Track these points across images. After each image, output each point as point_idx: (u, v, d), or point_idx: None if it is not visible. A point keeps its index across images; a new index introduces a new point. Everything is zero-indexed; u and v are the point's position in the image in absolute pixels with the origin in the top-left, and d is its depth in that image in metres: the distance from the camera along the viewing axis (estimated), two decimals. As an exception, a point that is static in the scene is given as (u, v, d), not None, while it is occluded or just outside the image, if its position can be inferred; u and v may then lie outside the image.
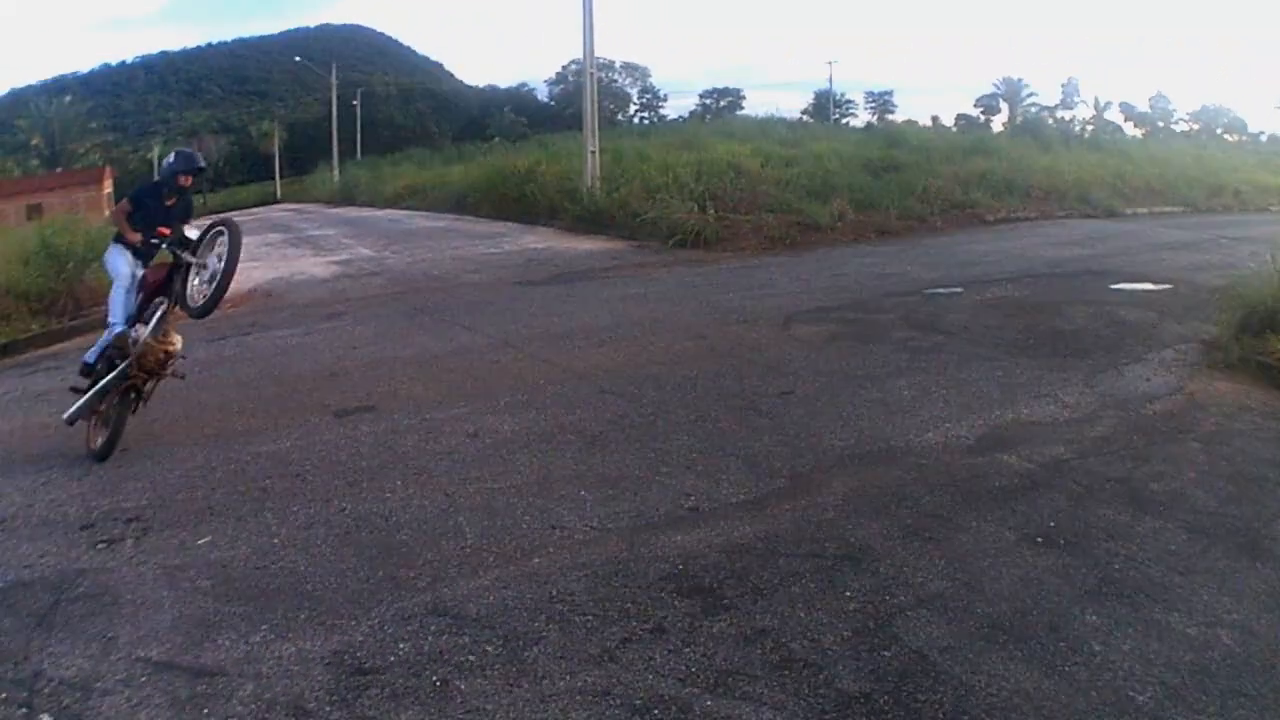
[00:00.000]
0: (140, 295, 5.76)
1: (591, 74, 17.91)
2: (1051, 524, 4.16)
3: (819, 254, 13.05)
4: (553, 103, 77.01)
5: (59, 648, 3.40)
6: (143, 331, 5.54)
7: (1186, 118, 71.63)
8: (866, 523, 4.20)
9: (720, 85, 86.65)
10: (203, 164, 6.01)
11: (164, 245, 5.70)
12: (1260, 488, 4.61)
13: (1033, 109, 71.31)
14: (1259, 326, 6.75)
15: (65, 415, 5.67)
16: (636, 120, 76.52)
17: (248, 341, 8.81)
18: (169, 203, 5.88)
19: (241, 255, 5.52)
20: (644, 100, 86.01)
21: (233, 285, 5.65)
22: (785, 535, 4.09)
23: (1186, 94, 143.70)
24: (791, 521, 4.23)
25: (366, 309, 10.19)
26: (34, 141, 59.70)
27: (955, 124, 64.26)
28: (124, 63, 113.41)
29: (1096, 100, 72.23)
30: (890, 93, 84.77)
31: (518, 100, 78.22)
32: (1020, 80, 75.94)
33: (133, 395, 5.67)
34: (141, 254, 5.86)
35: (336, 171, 44.57)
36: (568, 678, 3.06)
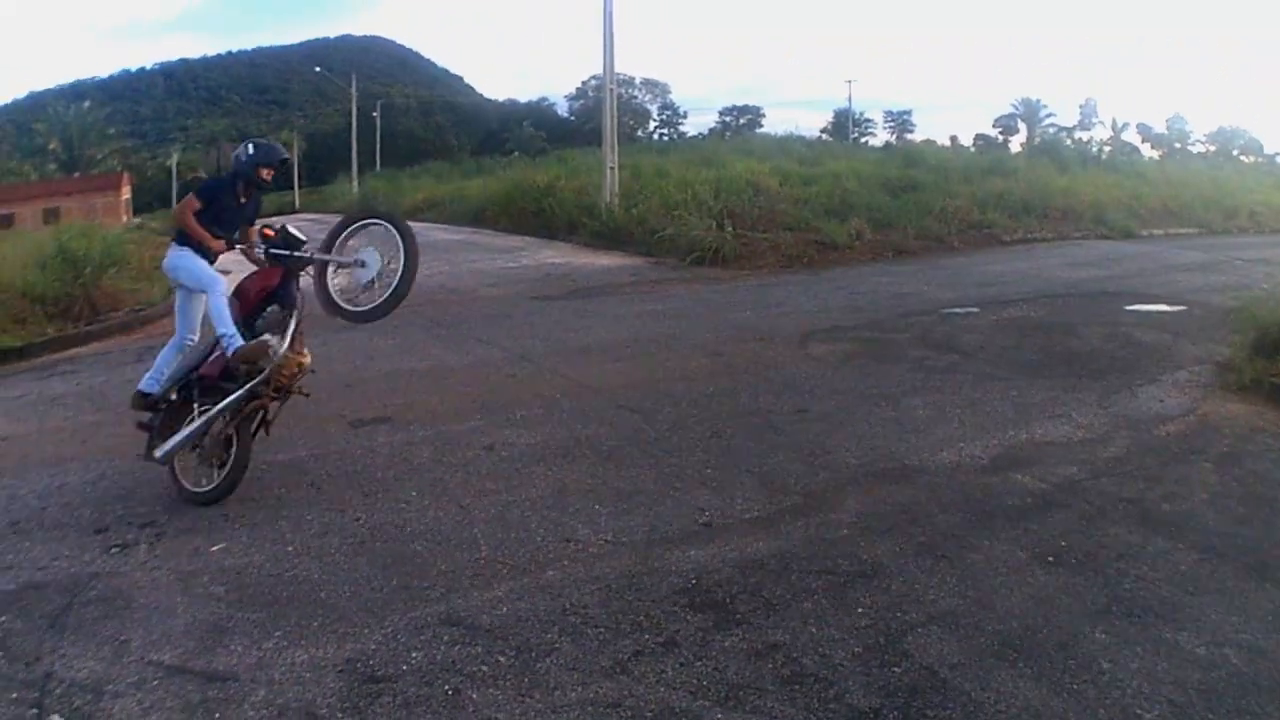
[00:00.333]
0: (238, 303, 5.04)
1: (611, 89, 18.04)
2: (1063, 543, 4.16)
3: (836, 273, 13.06)
4: (572, 118, 77.63)
5: (71, 650, 3.43)
6: (280, 343, 4.89)
7: (1203, 139, 71.74)
8: (879, 540, 4.20)
9: (740, 103, 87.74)
10: (286, 155, 5.32)
11: (267, 249, 5.08)
12: (1271, 509, 4.59)
13: (1051, 130, 71.56)
14: (1272, 348, 6.70)
15: (158, 453, 4.83)
16: (656, 136, 77.08)
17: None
18: (243, 200, 5.20)
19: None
20: (664, 117, 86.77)
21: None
22: (798, 551, 4.10)
23: (1204, 115, 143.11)
24: (804, 538, 4.25)
25: (383, 320, 10.18)
26: (51, 146, 59.86)
27: (973, 144, 64.33)
28: (143, 69, 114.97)
29: (1114, 121, 72.50)
30: (909, 112, 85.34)
31: (537, 115, 78.93)
32: (1038, 101, 76.35)
33: (259, 418, 4.98)
34: (208, 257, 5.09)
35: (355, 183, 44.99)
36: (579, 689, 3.07)
